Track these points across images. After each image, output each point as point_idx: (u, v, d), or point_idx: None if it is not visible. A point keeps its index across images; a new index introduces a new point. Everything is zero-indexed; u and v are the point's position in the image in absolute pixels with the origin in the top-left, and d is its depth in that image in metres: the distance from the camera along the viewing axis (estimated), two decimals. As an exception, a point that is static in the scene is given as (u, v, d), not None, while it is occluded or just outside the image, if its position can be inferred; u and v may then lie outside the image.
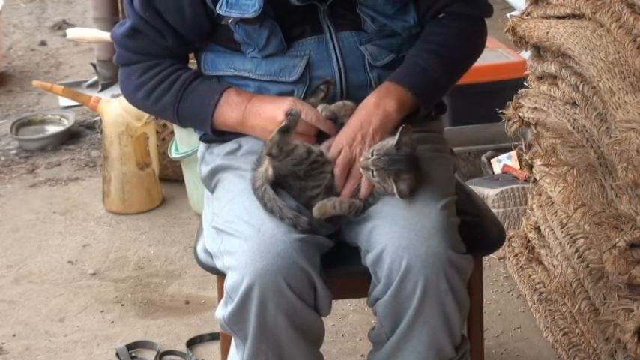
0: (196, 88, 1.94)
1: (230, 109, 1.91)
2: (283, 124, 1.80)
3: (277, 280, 1.72)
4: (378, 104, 1.87)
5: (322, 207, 1.79)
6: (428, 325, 1.78)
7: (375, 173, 1.79)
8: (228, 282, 1.77)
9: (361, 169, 1.81)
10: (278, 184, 1.81)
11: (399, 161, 1.78)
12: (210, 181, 2.00)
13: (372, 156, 1.79)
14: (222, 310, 1.80)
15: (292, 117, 1.80)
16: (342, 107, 1.89)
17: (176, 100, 1.94)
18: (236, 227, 1.80)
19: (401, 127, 1.80)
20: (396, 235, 1.75)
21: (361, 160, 1.81)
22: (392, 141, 1.80)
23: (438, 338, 1.79)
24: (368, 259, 1.80)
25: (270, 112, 1.88)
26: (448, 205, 1.81)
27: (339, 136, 1.86)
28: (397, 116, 1.87)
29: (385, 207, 1.80)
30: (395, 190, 1.77)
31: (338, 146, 1.85)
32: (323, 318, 1.84)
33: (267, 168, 1.81)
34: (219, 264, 1.86)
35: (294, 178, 1.81)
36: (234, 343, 1.84)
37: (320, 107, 1.87)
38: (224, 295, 1.80)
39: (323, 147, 1.85)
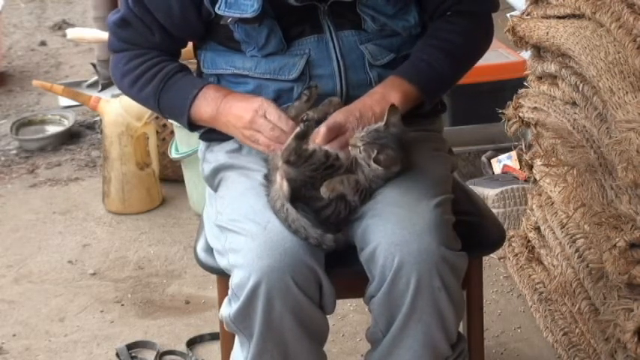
0: (178, 81, 1.96)
1: (206, 104, 1.93)
2: (299, 130, 1.79)
3: (284, 278, 1.72)
4: (384, 95, 1.88)
5: (329, 184, 1.78)
6: (422, 323, 1.77)
7: (361, 149, 1.79)
8: (234, 280, 1.76)
9: (350, 148, 1.81)
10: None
11: (385, 137, 1.80)
12: (213, 179, 2.00)
13: (361, 133, 1.81)
14: (227, 309, 1.79)
15: (308, 122, 1.80)
16: (328, 105, 1.89)
17: (158, 90, 1.96)
18: (242, 225, 1.79)
19: (388, 107, 1.82)
20: (389, 232, 1.75)
21: (352, 138, 1.81)
22: (381, 122, 1.82)
23: (433, 336, 1.79)
24: (362, 257, 1.80)
25: (239, 111, 1.89)
26: (442, 202, 1.81)
27: (338, 112, 1.87)
28: (400, 109, 1.88)
29: (379, 205, 1.80)
30: (372, 159, 1.78)
31: (334, 116, 1.86)
32: (323, 318, 1.83)
33: (281, 184, 1.80)
34: (223, 262, 1.86)
35: (307, 187, 1.80)
36: (239, 341, 1.84)
37: (310, 112, 1.85)
38: (229, 293, 1.79)
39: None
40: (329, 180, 1.79)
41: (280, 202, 1.78)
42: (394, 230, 1.75)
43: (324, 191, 1.78)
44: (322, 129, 1.83)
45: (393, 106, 1.82)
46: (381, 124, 1.82)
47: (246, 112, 1.87)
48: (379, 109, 1.86)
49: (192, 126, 1.98)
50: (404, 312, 1.77)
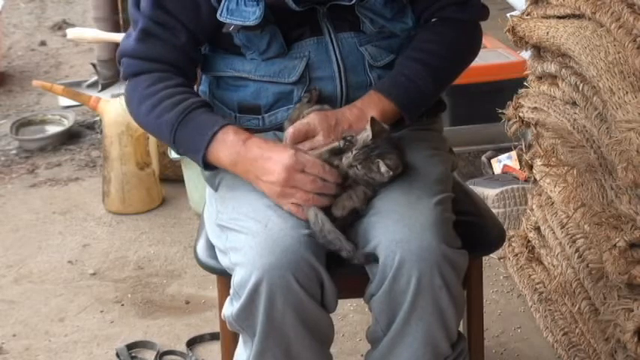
0: (199, 116, 1.86)
1: (225, 148, 1.83)
2: (335, 145, 1.80)
3: (285, 276, 1.72)
4: (362, 112, 1.88)
5: (339, 202, 1.79)
6: (423, 321, 1.77)
7: (359, 167, 1.80)
8: (235, 278, 1.76)
9: (348, 170, 1.82)
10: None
11: (377, 147, 1.80)
12: (214, 179, 2.00)
13: (352, 153, 1.80)
14: (230, 308, 1.79)
15: (349, 144, 1.80)
16: (309, 95, 1.92)
17: (177, 121, 1.85)
18: (242, 224, 1.80)
19: (369, 120, 1.82)
20: (390, 230, 1.75)
21: (343, 162, 1.81)
22: (365, 134, 1.82)
23: (434, 334, 1.79)
24: None
25: (270, 165, 1.79)
26: (443, 200, 1.81)
27: (314, 114, 1.86)
28: None
29: (379, 203, 1.81)
30: (382, 169, 1.78)
31: (308, 118, 1.85)
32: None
33: None
34: (225, 261, 1.86)
35: None
36: (242, 340, 1.84)
37: (347, 131, 1.85)
38: (231, 292, 1.80)
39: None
40: (337, 199, 1.80)
41: (314, 213, 1.78)
42: (395, 228, 1.75)
43: (336, 211, 1.79)
44: (290, 130, 1.84)
45: (373, 118, 1.82)
46: (365, 136, 1.81)
47: (280, 168, 1.77)
48: (355, 125, 1.86)
49: (207, 165, 1.88)
50: (405, 310, 1.77)
